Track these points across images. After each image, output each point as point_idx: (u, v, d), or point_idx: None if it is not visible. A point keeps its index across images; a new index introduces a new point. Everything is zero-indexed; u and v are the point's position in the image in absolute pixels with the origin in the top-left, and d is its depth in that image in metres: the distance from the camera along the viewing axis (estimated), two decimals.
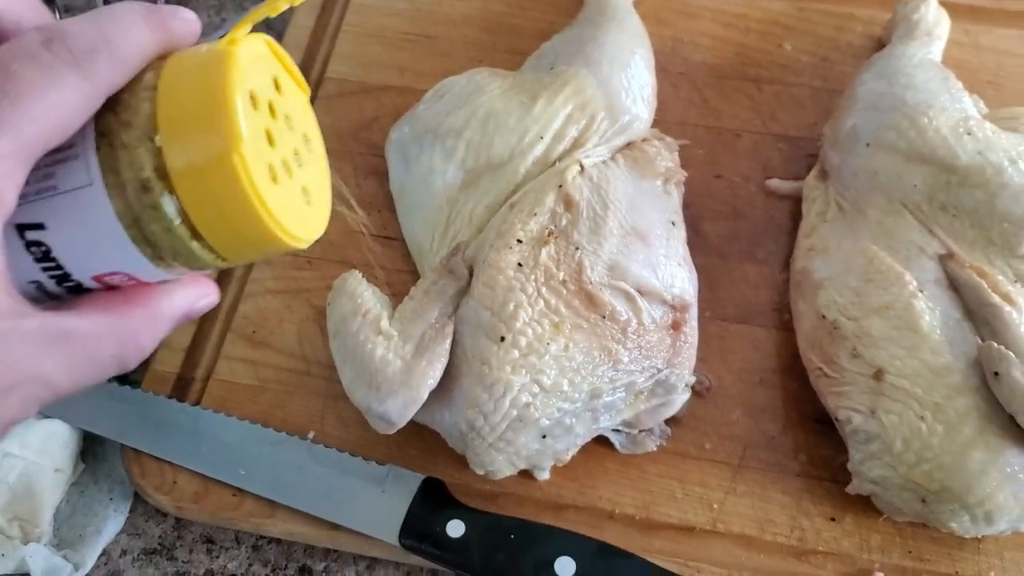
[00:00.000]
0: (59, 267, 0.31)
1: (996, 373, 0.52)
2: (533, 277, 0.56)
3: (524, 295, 0.55)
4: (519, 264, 0.57)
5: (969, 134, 0.61)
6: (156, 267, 0.32)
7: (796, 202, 0.68)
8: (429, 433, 0.58)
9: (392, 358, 0.54)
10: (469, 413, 0.53)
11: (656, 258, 0.59)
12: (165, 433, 0.61)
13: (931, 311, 0.56)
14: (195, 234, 0.31)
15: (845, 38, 0.76)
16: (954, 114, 0.62)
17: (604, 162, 0.64)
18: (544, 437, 0.54)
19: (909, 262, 0.59)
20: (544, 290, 0.55)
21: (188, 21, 0.31)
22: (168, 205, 0.30)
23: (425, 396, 0.53)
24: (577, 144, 0.64)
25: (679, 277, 0.59)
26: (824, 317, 0.59)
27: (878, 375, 0.55)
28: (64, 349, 0.29)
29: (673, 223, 0.63)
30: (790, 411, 0.61)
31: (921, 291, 0.57)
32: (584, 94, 0.65)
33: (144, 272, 0.32)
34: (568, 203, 0.60)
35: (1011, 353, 0.52)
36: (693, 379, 0.58)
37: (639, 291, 0.57)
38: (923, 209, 0.60)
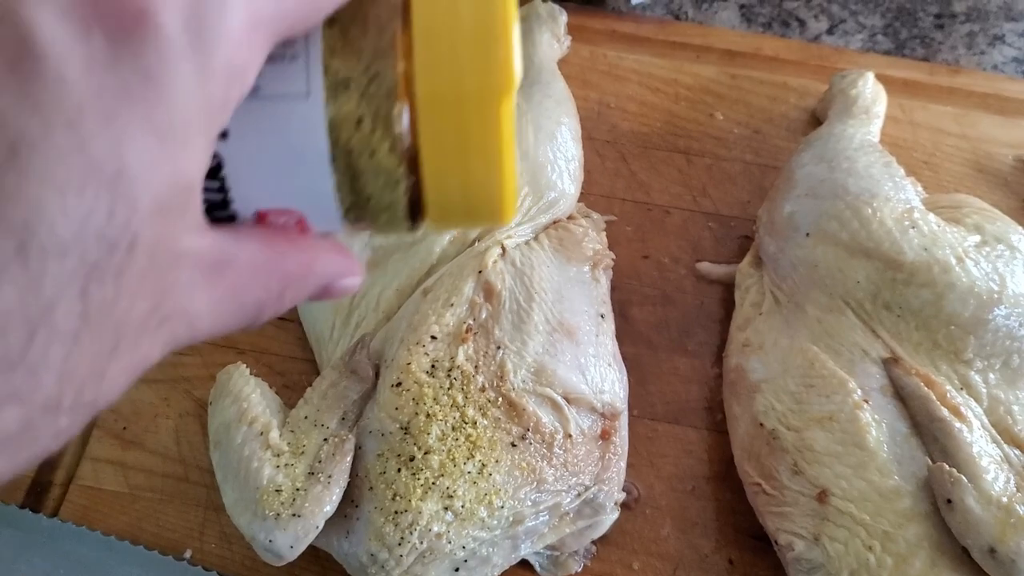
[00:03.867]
0: (222, 189, 0.24)
1: (949, 500, 0.48)
2: (448, 383, 0.50)
3: (438, 405, 0.49)
4: (433, 366, 0.50)
5: (914, 227, 0.57)
6: (339, 215, 0.25)
7: (728, 288, 0.64)
8: (326, 555, 0.51)
9: (282, 480, 0.47)
10: (372, 545, 0.47)
11: (585, 358, 0.54)
12: (15, 551, 0.52)
13: (877, 425, 0.52)
14: (410, 182, 0.25)
15: (779, 109, 0.73)
16: (898, 205, 0.58)
17: (528, 243, 0.58)
18: (457, 570, 0.48)
19: (853, 366, 0.55)
20: (461, 398, 0.49)
21: None
22: (397, 139, 0.24)
23: (320, 525, 0.46)
24: None
25: (609, 379, 0.54)
26: (762, 425, 0.54)
27: (822, 496, 0.50)
28: (218, 281, 0.23)
29: (602, 316, 0.57)
30: (724, 525, 0.56)
31: (866, 401, 0.53)
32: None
33: (321, 218, 0.26)
34: (489, 292, 0.54)
35: (963, 478, 0.48)
36: (623, 496, 0.53)
37: (566, 398, 0.51)
38: (866, 307, 0.56)
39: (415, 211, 0.26)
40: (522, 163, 0.60)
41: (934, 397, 0.52)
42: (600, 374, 0.54)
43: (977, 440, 0.51)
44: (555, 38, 0.71)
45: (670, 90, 0.73)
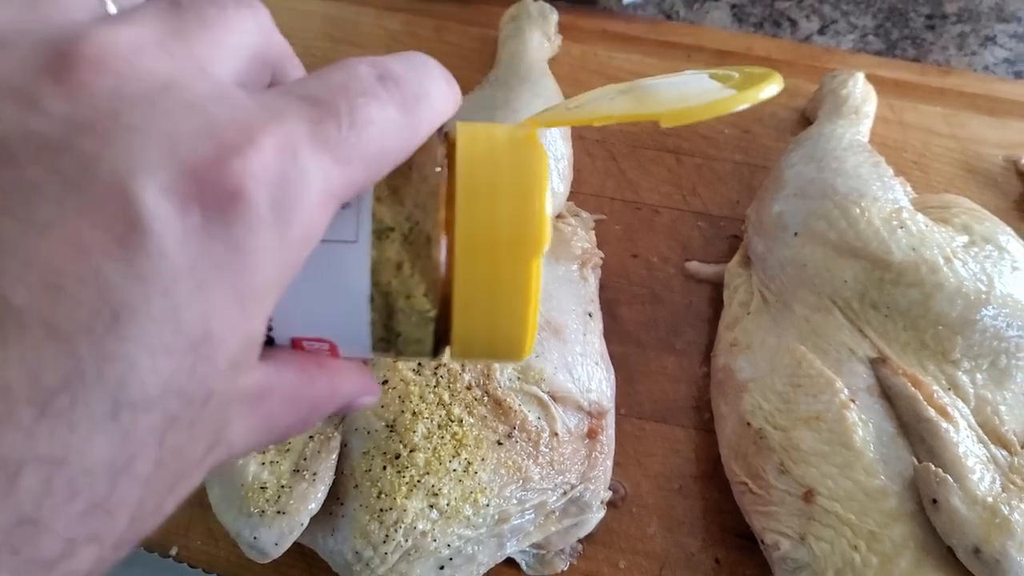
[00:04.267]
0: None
1: (934, 500, 0.48)
2: (435, 381, 0.49)
3: (424, 403, 0.48)
4: (419, 364, 0.50)
5: (903, 227, 0.57)
6: (369, 345, 0.27)
7: (716, 287, 0.64)
8: (312, 552, 0.51)
9: (267, 477, 0.47)
10: (357, 543, 0.46)
11: (572, 356, 0.54)
12: None
13: (864, 424, 0.52)
14: (440, 319, 0.27)
15: (768, 109, 0.73)
16: (887, 205, 0.58)
17: None
18: (442, 568, 0.47)
19: (840, 366, 0.55)
20: (447, 396, 0.49)
21: (460, 97, 0.28)
22: (432, 284, 0.26)
23: (305, 522, 0.46)
24: None
25: (596, 378, 0.54)
26: (749, 424, 0.54)
27: (808, 496, 0.50)
28: (258, 410, 0.25)
29: (590, 314, 0.57)
30: (711, 524, 0.56)
31: (853, 401, 0.53)
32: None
33: (351, 347, 0.28)
34: None
35: (949, 477, 0.49)
36: (609, 495, 0.53)
37: (553, 397, 0.51)
38: (853, 307, 0.56)
39: (439, 343, 0.28)
40: None
41: (921, 397, 0.52)
42: (587, 372, 0.54)
43: (963, 440, 0.51)
44: (545, 37, 0.71)
45: None
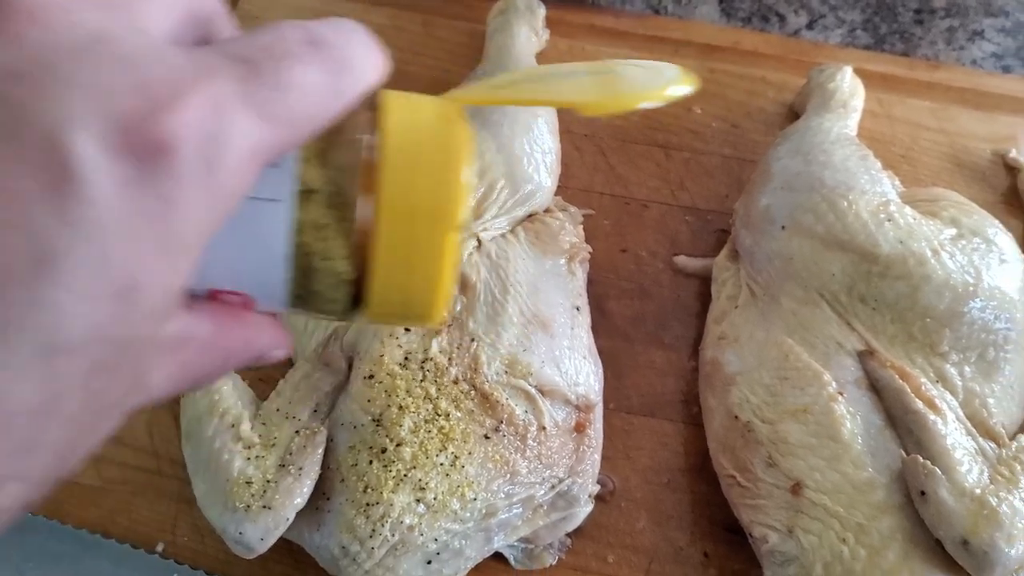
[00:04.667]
0: None
1: (922, 492, 0.48)
2: (421, 375, 0.49)
3: (410, 397, 0.48)
4: (406, 358, 0.50)
5: (890, 220, 0.57)
6: (285, 302, 0.28)
7: (704, 281, 0.64)
8: (299, 547, 0.51)
9: (252, 472, 0.46)
10: (343, 537, 0.46)
11: (560, 350, 0.53)
12: None
13: (852, 417, 0.52)
14: (356, 284, 0.28)
15: (756, 103, 0.73)
16: (874, 198, 0.58)
17: (504, 235, 0.58)
18: (429, 563, 0.47)
19: (827, 359, 0.55)
20: (433, 391, 0.49)
21: (387, 66, 0.29)
22: (351, 247, 0.27)
23: (291, 518, 0.46)
24: (474, 215, 0.58)
25: (584, 372, 0.54)
26: (736, 418, 0.54)
27: (796, 489, 0.50)
28: (176, 357, 0.26)
29: (578, 308, 0.57)
30: (699, 518, 0.56)
31: (841, 393, 0.53)
32: (482, 159, 0.59)
33: (267, 302, 0.29)
34: (464, 285, 0.54)
35: (937, 469, 0.48)
36: (597, 488, 0.53)
37: (541, 390, 0.51)
38: (841, 300, 0.56)
39: (352, 304, 0.29)
40: (498, 155, 0.59)
41: (909, 389, 0.52)
42: (575, 366, 0.53)
43: (951, 432, 0.51)
44: (533, 32, 0.70)
45: None
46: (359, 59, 0.26)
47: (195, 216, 0.22)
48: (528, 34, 0.70)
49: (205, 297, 0.28)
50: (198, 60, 0.23)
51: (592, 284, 0.63)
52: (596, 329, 0.60)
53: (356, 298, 0.29)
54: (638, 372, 0.61)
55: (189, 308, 0.26)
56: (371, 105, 0.28)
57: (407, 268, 0.28)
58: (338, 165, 0.27)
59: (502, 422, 0.49)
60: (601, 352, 0.59)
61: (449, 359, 0.50)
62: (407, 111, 0.28)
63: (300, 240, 0.27)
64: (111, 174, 0.20)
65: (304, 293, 0.28)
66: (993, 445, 0.53)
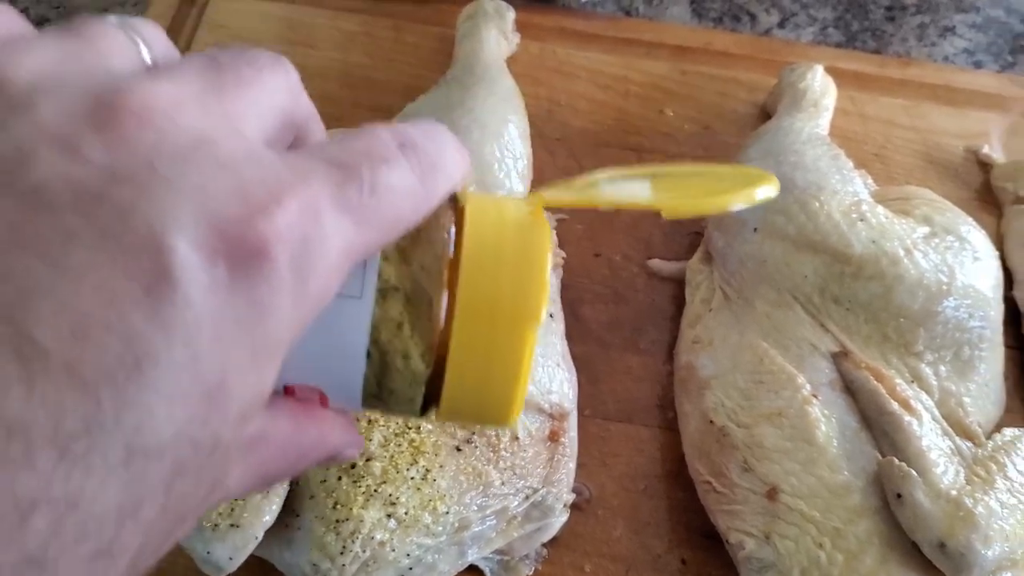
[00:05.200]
0: None
1: (898, 495, 0.48)
2: None
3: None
4: None
5: (862, 220, 0.57)
6: (360, 400, 0.28)
7: (679, 285, 0.63)
8: (270, 565, 0.50)
9: None
10: (314, 555, 0.45)
11: (533, 359, 0.53)
12: None
13: (827, 419, 0.51)
14: (432, 382, 0.27)
15: (728, 104, 0.72)
16: (846, 198, 0.58)
17: None
18: None
19: (801, 361, 0.54)
20: None
21: (470, 168, 0.29)
22: (430, 346, 0.27)
23: (260, 536, 0.45)
24: None
25: (557, 380, 0.53)
26: (712, 422, 0.54)
27: (772, 494, 0.50)
28: (252, 456, 0.26)
29: (551, 315, 0.56)
30: (676, 524, 0.55)
31: (815, 396, 0.52)
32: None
33: (341, 399, 0.28)
34: None
35: (913, 471, 0.48)
36: (572, 498, 0.52)
37: None
38: (814, 301, 0.56)
39: (427, 403, 0.28)
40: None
41: (883, 391, 0.52)
42: (548, 374, 0.53)
43: (927, 433, 0.51)
44: (502, 35, 0.70)
45: (620, 87, 0.73)
46: (447, 161, 0.26)
47: (285, 321, 0.22)
48: (497, 38, 0.69)
49: (281, 392, 0.28)
50: (294, 164, 0.23)
51: (566, 289, 0.62)
52: (570, 335, 0.59)
53: (431, 396, 0.28)
54: (614, 377, 0.60)
55: (268, 406, 0.26)
56: (453, 202, 0.28)
57: (484, 368, 0.27)
58: (420, 263, 0.27)
59: (474, 433, 0.49)
60: (576, 358, 0.58)
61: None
62: (488, 209, 0.28)
63: (379, 337, 0.26)
64: (208, 277, 0.20)
65: (380, 392, 0.28)
66: (970, 444, 0.53)
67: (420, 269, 0.27)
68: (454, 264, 0.27)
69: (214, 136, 0.22)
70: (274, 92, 0.25)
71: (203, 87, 0.23)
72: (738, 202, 0.29)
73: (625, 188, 0.33)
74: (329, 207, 0.23)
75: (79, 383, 0.19)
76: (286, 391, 0.28)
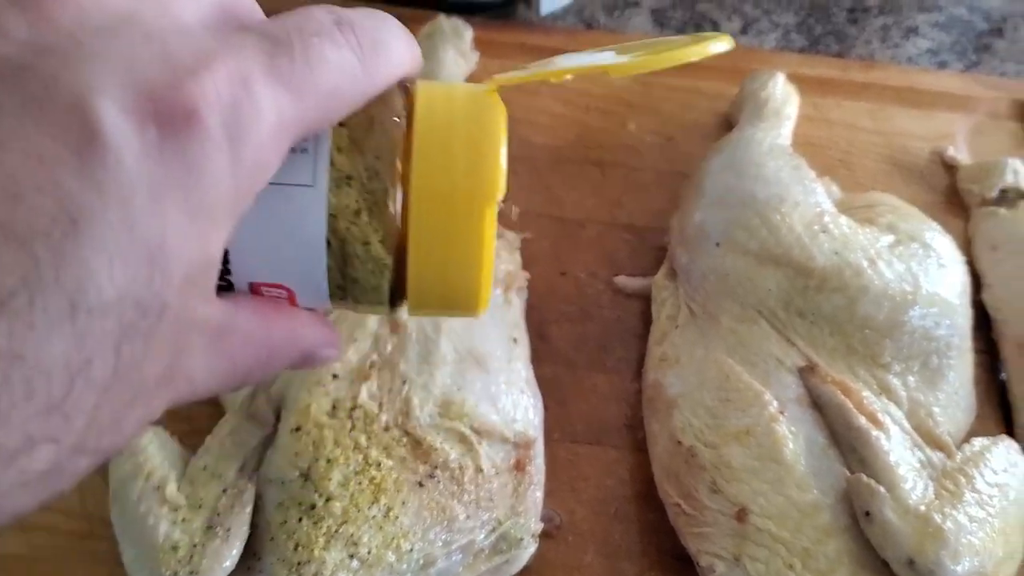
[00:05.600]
0: (225, 262, 0.27)
1: (867, 512, 0.47)
2: (350, 423, 0.48)
3: (339, 449, 0.47)
4: (333, 407, 0.49)
5: (825, 232, 0.56)
6: (326, 294, 0.29)
7: (646, 301, 0.63)
8: None
9: (179, 536, 0.45)
10: None
11: (496, 387, 0.52)
12: None
13: (794, 437, 0.51)
14: (396, 270, 0.28)
15: (691, 116, 0.72)
16: (808, 209, 0.57)
17: None
18: None
19: (768, 377, 0.54)
20: (364, 440, 0.48)
21: (421, 58, 0.30)
22: (389, 232, 0.27)
23: None
24: None
25: (522, 407, 0.53)
26: (680, 443, 0.53)
27: (741, 515, 0.49)
28: (218, 347, 0.26)
29: (515, 340, 0.56)
30: (648, 547, 0.54)
31: (782, 413, 0.52)
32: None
33: (308, 295, 0.29)
34: (394, 324, 0.52)
35: (881, 488, 0.48)
36: (540, 527, 0.51)
37: (477, 431, 0.50)
38: (779, 316, 0.55)
39: (395, 296, 0.29)
40: None
41: (850, 405, 0.51)
42: (512, 402, 0.52)
43: (895, 447, 0.50)
44: (461, 55, 0.69)
45: (581, 101, 0.72)
46: (390, 44, 0.27)
47: (223, 185, 0.23)
48: (455, 58, 0.69)
49: (247, 292, 0.28)
50: (225, 37, 0.23)
51: (533, 310, 0.61)
52: (538, 356, 0.59)
53: (397, 290, 0.29)
54: (582, 398, 0.60)
55: (230, 299, 0.27)
56: (406, 92, 0.28)
57: (445, 251, 0.28)
58: (374, 152, 0.27)
59: (436, 468, 0.48)
60: (543, 380, 0.58)
61: (379, 405, 0.49)
62: (439, 95, 0.29)
63: (337, 226, 0.27)
64: (137, 139, 0.21)
65: (344, 282, 0.28)
66: (940, 455, 0.52)
67: (375, 158, 0.27)
68: (408, 151, 0.27)
69: (142, 13, 0.23)
70: None
71: None
72: (688, 57, 0.31)
73: (582, 59, 0.34)
74: (260, 76, 0.23)
75: (13, 240, 0.19)
76: (253, 292, 0.28)
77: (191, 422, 0.56)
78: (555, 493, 0.55)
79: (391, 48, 0.27)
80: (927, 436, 0.53)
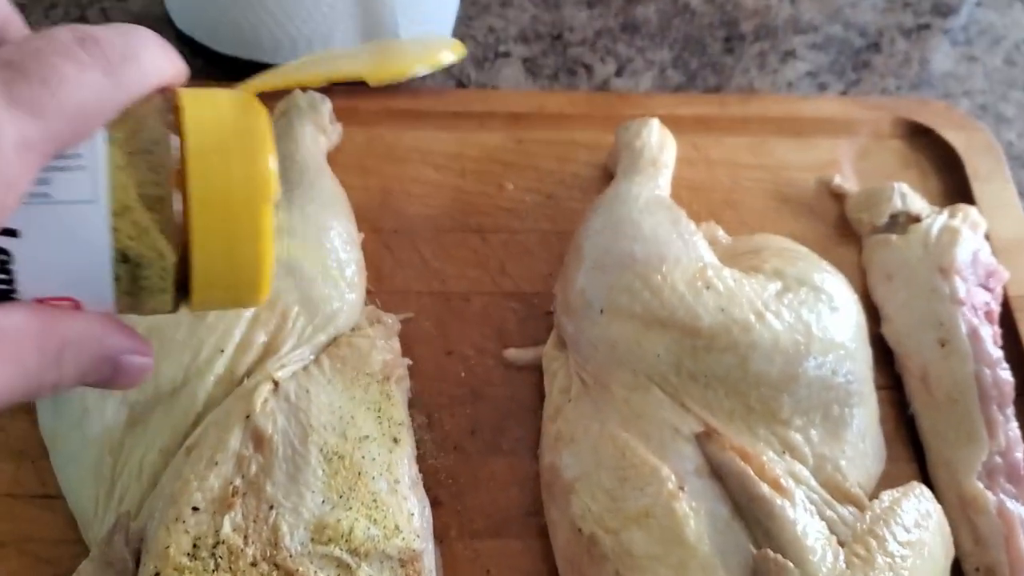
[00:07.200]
0: (9, 280, 0.28)
1: None
2: (213, 563, 0.44)
3: None
4: (195, 546, 0.44)
5: (709, 287, 0.54)
6: (114, 300, 0.30)
7: (540, 372, 0.60)
8: None
9: None
10: None
11: (376, 497, 0.48)
12: None
13: (695, 514, 0.48)
14: (180, 271, 0.30)
15: (569, 169, 0.69)
16: (690, 265, 0.55)
17: (306, 368, 0.53)
18: None
19: (664, 449, 0.51)
20: None
21: (183, 66, 0.31)
22: (171, 237, 0.29)
23: None
24: (269, 351, 0.52)
25: (404, 516, 0.49)
26: (580, 531, 0.50)
27: None
28: None
29: (395, 439, 0.52)
30: None
31: (682, 488, 0.49)
32: (271, 287, 0.54)
33: (96, 302, 0.30)
34: (258, 441, 0.48)
35: (789, 563, 0.45)
36: None
37: (355, 553, 0.46)
38: (671, 381, 0.52)
39: (179, 296, 0.31)
40: (288, 279, 0.54)
41: (751, 472, 0.49)
42: (393, 513, 0.48)
43: (800, 516, 0.47)
44: (320, 130, 0.65)
45: (455, 165, 0.69)
46: (140, 54, 0.28)
47: None
48: (314, 134, 0.65)
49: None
50: None
51: (421, 396, 0.58)
52: (429, 447, 0.56)
53: (182, 290, 0.30)
54: (479, 488, 0.56)
55: (4, 305, 0.27)
56: (175, 105, 0.30)
57: (228, 254, 0.29)
58: (149, 164, 0.28)
59: None
60: (435, 473, 0.54)
61: (244, 537, 0.45)
62: (205, 104, 0.30)
63: (120, 237, 0.28)
64: None
65: (132, 290, 0.29)
66: (852, 509, 0.50)
67: (150, 170, 0.28)
68: (183, 156, 0.29)
69: None
70: None
71: None
72: (422, 66, 0.37)
73: (336, 63, 0.37)
74: None
75: None
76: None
77: (55, 565, 0.52)
78: None
79: (141, 58, 0.28)
80: (836, 491, 0.51)
